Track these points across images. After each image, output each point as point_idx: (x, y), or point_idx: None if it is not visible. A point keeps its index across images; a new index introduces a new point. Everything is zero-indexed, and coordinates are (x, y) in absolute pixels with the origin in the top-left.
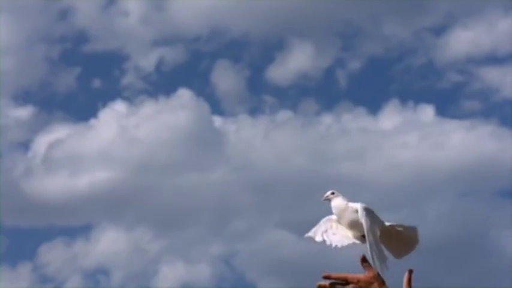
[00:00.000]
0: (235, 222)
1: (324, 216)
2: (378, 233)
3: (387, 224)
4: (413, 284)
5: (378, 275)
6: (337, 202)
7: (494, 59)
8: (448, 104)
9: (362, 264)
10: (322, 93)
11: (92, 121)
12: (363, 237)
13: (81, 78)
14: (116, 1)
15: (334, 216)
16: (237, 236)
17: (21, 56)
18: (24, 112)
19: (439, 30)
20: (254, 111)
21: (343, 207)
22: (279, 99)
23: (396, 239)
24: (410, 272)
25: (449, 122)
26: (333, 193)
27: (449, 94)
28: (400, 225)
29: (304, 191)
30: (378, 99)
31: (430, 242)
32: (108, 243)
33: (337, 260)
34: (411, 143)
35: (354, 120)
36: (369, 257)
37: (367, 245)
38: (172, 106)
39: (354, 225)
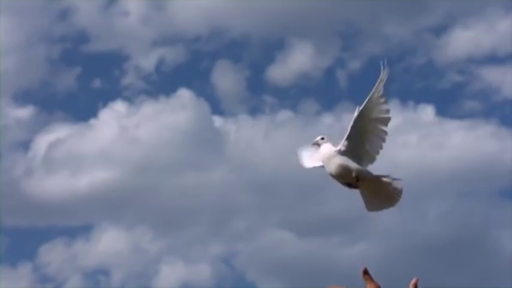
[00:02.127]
0: (235, 222)
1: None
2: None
3: (374, 174)
4: None
5: None
6: (325, 149)
7: (494, 59)
8: (448, 104)
9: (363, 277)
10: (322, 93)
11: (92, 121)
12: (348, 185)
13: (81, 78)
14: (116, 1)
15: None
16: (237, 236)
17: (21, 56)
18: (24, 112)
19: (439, 30)
20: (254, 111)
21: (331, 155)
22: (279, 99)
23: (380, 192)
24: (417, 280)
25: (450, 122)
26: (322, 138)
27: (449, 94)
28: (387, 177)
29: (304, 191)
30: None
31: (430, 242)
32: (108, 243)
33: (337, 260)
34: (411, 143)
35: None
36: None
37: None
38: (173, 106)
39: (339, 174)
